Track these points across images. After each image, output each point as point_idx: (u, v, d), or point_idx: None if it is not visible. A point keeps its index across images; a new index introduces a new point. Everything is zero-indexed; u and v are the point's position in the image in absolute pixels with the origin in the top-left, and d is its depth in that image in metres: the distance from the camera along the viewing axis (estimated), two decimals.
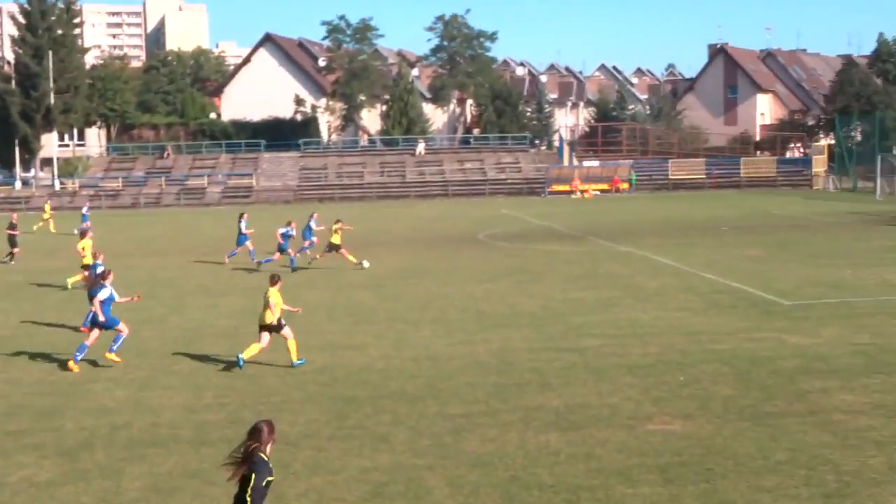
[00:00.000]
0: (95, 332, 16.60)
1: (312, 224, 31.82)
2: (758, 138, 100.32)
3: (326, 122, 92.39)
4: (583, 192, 76.60)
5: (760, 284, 24.24)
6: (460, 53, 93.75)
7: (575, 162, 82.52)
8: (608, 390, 14.14)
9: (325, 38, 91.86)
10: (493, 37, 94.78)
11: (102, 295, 16.58)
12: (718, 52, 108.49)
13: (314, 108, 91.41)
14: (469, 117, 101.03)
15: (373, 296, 24.13)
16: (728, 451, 11.28)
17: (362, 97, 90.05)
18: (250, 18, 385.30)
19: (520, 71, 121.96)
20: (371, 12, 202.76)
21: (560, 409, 13.28)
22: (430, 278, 27.31)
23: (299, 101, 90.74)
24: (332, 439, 12.30)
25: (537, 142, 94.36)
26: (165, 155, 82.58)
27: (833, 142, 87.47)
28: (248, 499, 7.56)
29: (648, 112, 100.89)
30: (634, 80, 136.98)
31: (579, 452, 11.44)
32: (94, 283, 17.59)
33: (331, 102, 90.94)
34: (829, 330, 18.06)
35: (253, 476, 7.61)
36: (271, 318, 16.22)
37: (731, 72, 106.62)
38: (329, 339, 18.47)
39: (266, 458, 7.78)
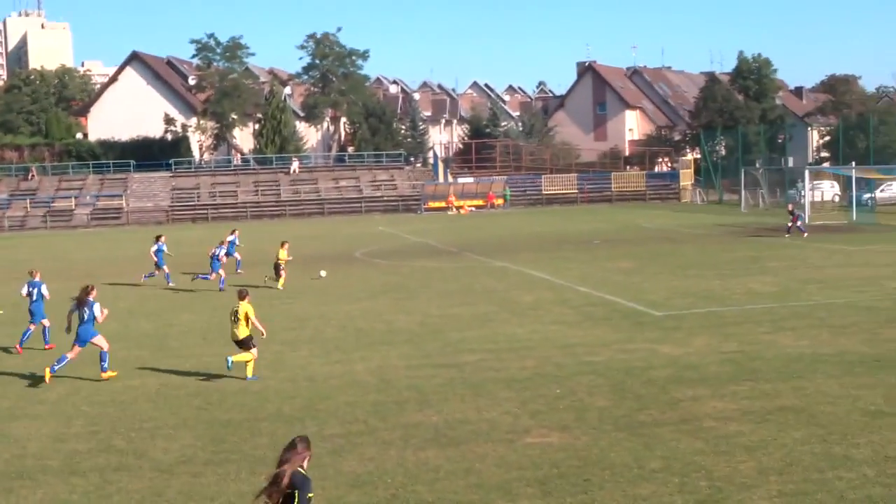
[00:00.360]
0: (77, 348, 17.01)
1: (236, 240, 33.70)
2: (627, 153, 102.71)
3: (198, 142, 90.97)
4: (458, 208, 77.21)
5: (632, 296, 24.75)
6: (333, 71, 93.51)
7: (450, 178, 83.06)
8: (486, 405, 14.19)
9: (194, 57, 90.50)
10: (365, 55, 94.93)
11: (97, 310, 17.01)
12: (587, 70, 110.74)
13: (185, 127, 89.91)
14: (343, 135, 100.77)
15: None
16: (604, 462, 11.42)
17: (234, 116, 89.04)
18: (116, 37, 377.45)
19: (393, 89, 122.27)
20: (241, 31, 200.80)
21: (439, 425, 13.27)
22: (307, 297, 27.08)
23: (169, 121, 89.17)
24: (207, 464, 12.03)
25: (412, 159, 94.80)
26: (30, 176, 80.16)
27: (699, 156, 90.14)
28: None
29: (521, 129, 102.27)
30: (506, 98, 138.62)
31: (459, 468, 11.43)
32: (81, 302, 17.09)
33: (202, 121, 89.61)
34: (699, 339, 18.51)
35: (297, 493, 7.36)
36: (245, 332, 16.56)
37: (599, 89, 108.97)
38: (204, 361, 18.10)
39: (306, 474, 7.55)
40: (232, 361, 16.47)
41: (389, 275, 32.38)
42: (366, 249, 42.49)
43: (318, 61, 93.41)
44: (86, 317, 16.99)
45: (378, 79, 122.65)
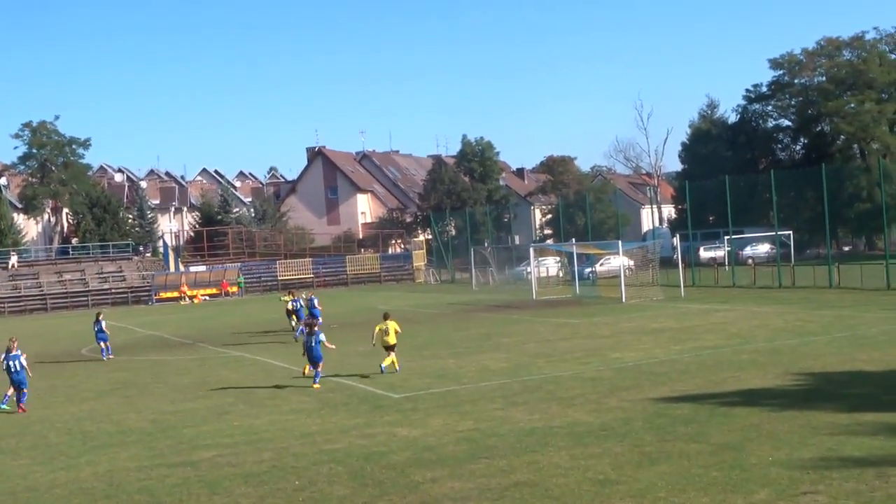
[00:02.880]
0: None
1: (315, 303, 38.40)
2: (361, 236, 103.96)
3: None
4: (191, 297, 75.41)
5: (370, 379, 24.79)
6: (52, 161, 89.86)
7: (181, 267, 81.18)
8: (223, 503, 13.70)
9: None
10: (86, 143, 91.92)
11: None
12: (317, 155, 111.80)
13: None
14: (66, 226, 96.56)
15: None
16: None
17: None
18: None
19: (118, 177, 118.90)
20: None
21: None
22: (28, 401, 25.42)
23: None
24: None
25: (141, 249, 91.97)
26: None
27: (430, 237, 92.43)
28: None
29: (253, 215, 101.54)
30: (237, 184, 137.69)
31: None
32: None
33: None
34: (437, 419, 18.71)
35: None
36: (394, 340, 25.59)
37: (330, 173, 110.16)
38: None
39: None
40: (385, 367, 25.21)
41: (119, 371, 31.02)
42: (93, 346, 40.57)
43: (35, 150, 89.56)
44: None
45: (102, 167, 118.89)
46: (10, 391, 23.79)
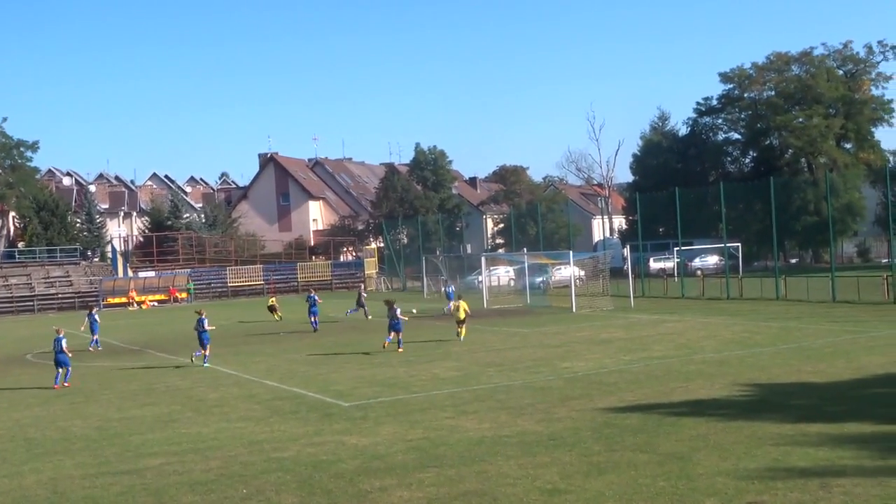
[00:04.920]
0: None
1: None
2: (312, 243, 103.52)
3: None
4: (140, 303, 74.69)
5: (320, 388, 24.70)
6: None
7: (130, 273, 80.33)
8: None
9: None
10: (34, 146, 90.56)
11: None
12: (269, 162, 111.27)
13: None
14: (12, 230, 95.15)
15: None
16: None
17: None
18: None
19: (67, 181, 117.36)
20: None
21: None
22: None
23: None
24: None
25: (89, 254, 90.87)
26: None
27: (382, 244, 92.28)
28: None
29: (204, 220, 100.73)
30: (188, 189, 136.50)
31: None
32: None
33: None
34: (386, 428, 18.67)
35: None
36: (464, 316, 35.26)
37: (282, 180, 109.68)
38: None
39: None
40: (462, 335, 34.78)
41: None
42: (39, 351, 40.02)
43: None
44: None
45: (50, 170, 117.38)
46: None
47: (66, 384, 27.89)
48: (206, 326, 31.64)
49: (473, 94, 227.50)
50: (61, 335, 28.44)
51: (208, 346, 31.62)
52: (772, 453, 14.74)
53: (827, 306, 42.97)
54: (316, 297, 44.37)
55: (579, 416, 18.74)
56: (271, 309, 50.76)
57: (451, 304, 37.59)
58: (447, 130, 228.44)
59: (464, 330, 35.41)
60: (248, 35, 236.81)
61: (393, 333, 32.75)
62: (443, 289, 54.06)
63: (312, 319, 43.15)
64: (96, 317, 39.86)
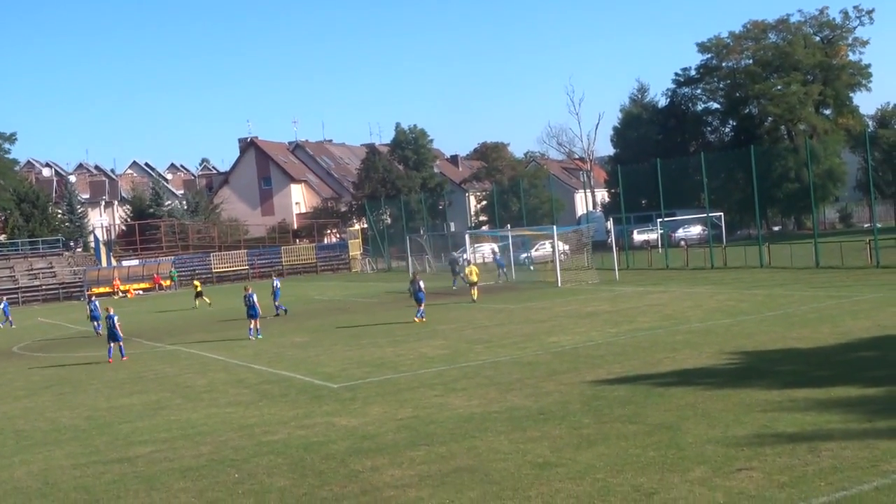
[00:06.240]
0: None
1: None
2: (296, 226, 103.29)
3: None
4: (125, 292, 74.50)
5: (308, 370, 24.71)
6: None
7: (114, 262, 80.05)
8: (161, 499, 13.55)
9: None
10: (11, 138, 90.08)
11: None
12: (249, 146, 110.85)
13: None
14: None
15: None
16: None
17: None
18: None
19: (46, 172, 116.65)
20: None
21: None
22: None
23: None
24: None
25: (72, 244, 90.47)
26: None
27: (366, 226, 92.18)
28: None
29: (186, 207, 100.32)
30: (169, 176, 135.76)
31: None
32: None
33: None
34: (376, 408, 18.69)
35: None
36: (476, 279, 41.16)
37: (263, 164, 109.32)
38: None
39: None
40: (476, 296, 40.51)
41: (52, 368, 30.55)
42: (24, 343, 39.94)
43: None
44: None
45: (29, 162, 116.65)
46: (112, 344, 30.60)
47: (123, 358, 30.38)
48: (255, 301, 34.37)
49: (452, 72, 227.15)
50: (112, 313, 30.99)
51: (257, 319, 34.48)
52: (760, 420, 14.82)
53: (810, 272, 43.19)
54: (276, 282, 45.36)
55: (567, 390, 18.80)
56: (198, 295, 52.99)
57: (466, 270, 43.01)
58: (427, 109, 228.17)
59: (475, 291, 40.90)
60: (225, 18, 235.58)
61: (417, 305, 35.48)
62: (494, 258, 58.36)
63: (276, 304, 43.33)
64: (97, 303, 40.91)
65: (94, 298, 43.92)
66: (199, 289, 54.69)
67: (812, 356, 20.75)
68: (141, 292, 75.80)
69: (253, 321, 34.22)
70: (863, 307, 28.90)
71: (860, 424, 14.06)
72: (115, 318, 30.61)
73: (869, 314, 27.03)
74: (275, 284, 44.66)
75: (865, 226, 74.56)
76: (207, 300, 53.57)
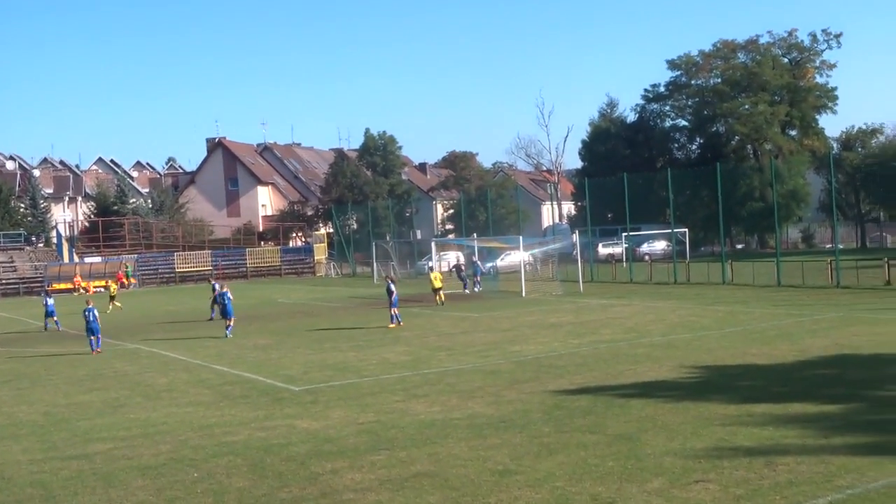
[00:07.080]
0: None
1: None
2: (261, 229, 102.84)
3: None
4: (86, 289, 73.88)
5: (270, 372, 24.65)
6: None
7: (76, 258, 79.36)
8: (119, 496, 13.47)
9: None
10: None
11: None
12: (217, 146, 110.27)
13: None
14: None
15: None
16: None
17: None
18: None
19: (10, 165, 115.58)
20: None
21: None
22: None
23: None
24: None
25: (34, 239, 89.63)
26: None
27: (332, 230, 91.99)
28: None
29: (151, 206, 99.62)
30: (134, 174, 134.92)
31: None
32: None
33: None
34: (337, 412, 18.69)
35: None
36: (440, 284, 42.57)
37: (230, 165, 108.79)
38: None
39: None
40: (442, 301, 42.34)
41: (10, 363, 30.25)
42: None
43: None
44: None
45: None
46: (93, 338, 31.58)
47: (96, 350, 31.30)
48: (228, 301, 35.14)
49: (423, 80, 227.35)
50: (91, 306, 32.19)
51: (232, 319, 34.94)
52: (718, 433, 14.97)
53: (772, 290, 43.60)
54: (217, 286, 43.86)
55: (529, 399, 18.89)
56: (111, 298, 52.72)
57: (431, 276, 44.46)
58: (397, 116, 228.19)
59: (441, 296, 42.97)
60: (195, 18, 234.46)
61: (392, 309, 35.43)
62: (475, 262, 56.53)
63: (214, 309, 42.07)
64: (50, 299, 42.46)
65: (51, 294, 44.67)
66: (113, 293, 54.01)
67: (771, 372, 20.96)
68: (102, 289, 75.12)
69: (228, 320, 34.72)
70: (822, 326, 29.22)
71: (816, 440, 14.24)
72: (94, 311, 31.67)
73: (828, 333, 27.34)
74: (217, 288, 42.81)
75: (827, 246, 75.38)
76: (119, 304, 52.56)
